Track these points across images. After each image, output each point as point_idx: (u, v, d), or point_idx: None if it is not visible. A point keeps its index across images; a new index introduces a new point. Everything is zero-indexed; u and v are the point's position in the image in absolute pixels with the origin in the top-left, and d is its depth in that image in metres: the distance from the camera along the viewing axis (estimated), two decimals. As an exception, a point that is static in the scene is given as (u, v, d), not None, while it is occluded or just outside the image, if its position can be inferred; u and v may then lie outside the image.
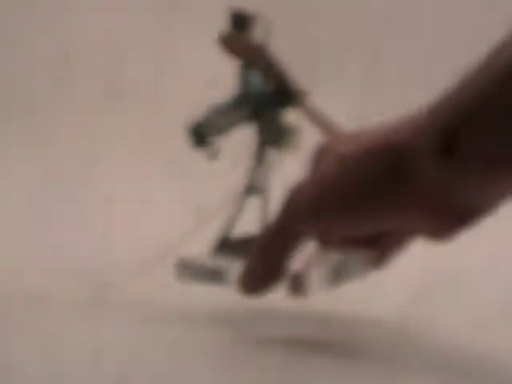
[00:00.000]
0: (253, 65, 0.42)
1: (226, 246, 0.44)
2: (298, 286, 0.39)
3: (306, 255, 0.39)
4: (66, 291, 0.52)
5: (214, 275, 0.42)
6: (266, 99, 0.44)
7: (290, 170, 0.43)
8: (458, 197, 0.32)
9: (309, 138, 0.46)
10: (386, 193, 0.33)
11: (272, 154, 0.46)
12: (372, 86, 0.79)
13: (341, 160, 0.34)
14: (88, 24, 0.79)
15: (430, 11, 0.81)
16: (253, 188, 0.45)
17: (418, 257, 0.44)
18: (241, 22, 0.45)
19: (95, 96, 0.78)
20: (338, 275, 0.42)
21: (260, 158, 0.46)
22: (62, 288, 0.53)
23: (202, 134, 0.43)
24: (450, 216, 0.33)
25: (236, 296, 0.40)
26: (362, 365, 0.38)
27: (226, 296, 0.44)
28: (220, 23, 0.43)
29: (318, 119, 0.45)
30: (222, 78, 0.49)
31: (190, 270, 0.44)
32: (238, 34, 0.41)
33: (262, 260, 0.37)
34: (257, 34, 0.44)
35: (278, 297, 0.39)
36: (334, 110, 0.43)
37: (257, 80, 0.45)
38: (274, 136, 0.46)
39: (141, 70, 0.79)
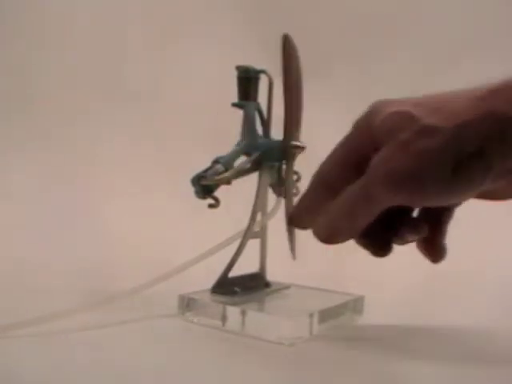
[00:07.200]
0: None
1: (225, 284, 0.46)
2: None
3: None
4: (66, 290, 0.52)
5: (214, 315, 0.45)
6: (270, 149, 0.47)
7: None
8: None
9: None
10: (492, 161, 0.34)
11: (273, 200, 0.48)
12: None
13: (432, 132, 0.35)
14: (88, 24, 0.79)
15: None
16: (253, 231, 0.48)
17: (418, 258, 0.44)
18: (247, 79, 0.47)
19: (95, 96, 0.78)
20: (330, 318, 0.45)
21: (261, 203, 0.48)
22: (62, 287, 0.54)
23: (206, 185, 0.45)
24: None
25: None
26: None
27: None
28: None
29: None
30: (222, 78, 0.49)
31: (192, 309, 0.46)
32: None
33: (345, 218, 0.39)
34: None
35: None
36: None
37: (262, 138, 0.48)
38: (274, 182, 0.48)
39: (141, 70, 0.79)
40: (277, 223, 0.47)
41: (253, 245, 0.48)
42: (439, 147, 0.34)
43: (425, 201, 0.37)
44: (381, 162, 0.36)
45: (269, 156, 0.47)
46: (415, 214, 0.42)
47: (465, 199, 0.38)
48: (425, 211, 0.42)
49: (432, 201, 0.37)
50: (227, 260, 0.46)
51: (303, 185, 0.49)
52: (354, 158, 0.39)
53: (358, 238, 0.41)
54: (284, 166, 0.48)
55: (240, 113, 0.48)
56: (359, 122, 0.39)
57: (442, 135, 0.34)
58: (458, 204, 0.41)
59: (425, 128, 0.35)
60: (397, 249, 0.43)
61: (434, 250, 0.42)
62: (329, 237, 0.40)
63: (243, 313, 0.43)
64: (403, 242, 0.42)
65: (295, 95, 0.45)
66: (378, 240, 0.41)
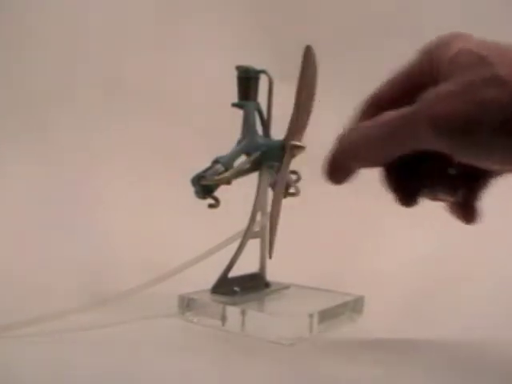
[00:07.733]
0: None
1: (225, 284, 0.46)
2: None
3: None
4: (66, 290, 0.52)
5: (214, 315, 0.45)
6: (270, 149, 0.47)
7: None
8: None
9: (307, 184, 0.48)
10: None
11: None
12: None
13: (500, 83, 0.31)
14: (89, 21, 0.79)
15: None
16: (253, 231, 0.48)
17: (418, 258, 0.44)
18: (247, 79, 0.47)
19: (95, 96, 0.78)
20: (330, 319, 0.45)
21: (261, 203, 0.48)
22: (61, 287, 0.54)
23: (206, 185, 0.45)
24: None
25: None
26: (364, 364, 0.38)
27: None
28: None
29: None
30: (222, 78, 0.49)
31: (192, 309, 0.46)
32: None
33: (373, 139, 0.36)
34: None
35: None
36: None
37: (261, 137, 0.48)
38: (274, 182, 0.47)
39: (141, 69, 0.79)
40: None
41: (253, 245, 0.48)
42: (502, 101, 0.31)
43: (466, 155, 0.33)
44: (436, 97, 0.33)
45: (269, 156, 0.47)
46: (452, 171, 0.39)
47: (505, 170, 0.35)
48: (463, 171, 0.38)
49: (474, 158, 0.34)
50: (227, 260, 0.46)
51: (303, 185, 0.49)
52: (410, 83, 0.37)
53: (384, 175, 0.39)
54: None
55: (240, 113, 0.48)
56: (427, 47, 0.37)
57: (509, 90, 0.32)
58: (499, 173, 0.38)
59: (494, 77, 0.32)
60: (397, 248, 0.43)
61: (467, 212, 0.39)
62: (346, 154, 0.37)
63: (243, 313, 0.43)
64: (433, 198, 0.39)
65: (306, 98, 0.44)
66: (405, 188, 0.39)
